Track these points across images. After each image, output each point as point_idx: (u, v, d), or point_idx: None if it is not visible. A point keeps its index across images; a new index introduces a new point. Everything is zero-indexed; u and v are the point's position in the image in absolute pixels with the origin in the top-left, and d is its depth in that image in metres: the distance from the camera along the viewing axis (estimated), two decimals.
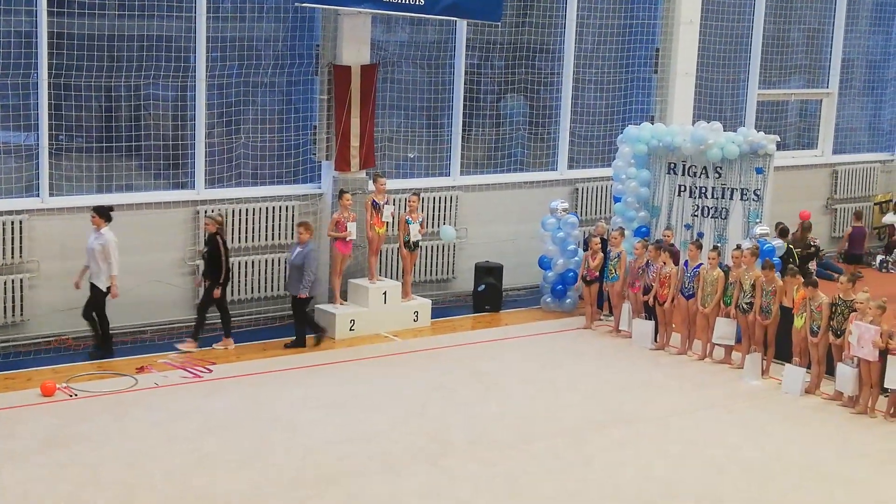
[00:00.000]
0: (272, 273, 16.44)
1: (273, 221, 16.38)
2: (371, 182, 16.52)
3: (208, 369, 14.27)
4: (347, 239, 15.90)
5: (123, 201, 15.33)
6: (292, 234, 16.43)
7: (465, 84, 18.07)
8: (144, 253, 15.34)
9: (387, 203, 16.37)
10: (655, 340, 16.01)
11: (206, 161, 15.95)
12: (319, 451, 11.78)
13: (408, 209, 16.60)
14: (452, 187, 18.07)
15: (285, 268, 15.93)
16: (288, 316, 16.30)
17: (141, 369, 14.13)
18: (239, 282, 16.17)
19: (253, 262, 16.27)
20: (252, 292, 16.33)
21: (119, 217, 15.12)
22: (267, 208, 16.33)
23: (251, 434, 12.22)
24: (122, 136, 15.41)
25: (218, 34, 15.81)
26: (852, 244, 20.96)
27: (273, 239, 16.41)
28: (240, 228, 16.12)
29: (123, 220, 15.20)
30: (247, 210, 16.16)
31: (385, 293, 16.31)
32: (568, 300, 17.63)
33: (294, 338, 15.39)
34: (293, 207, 16.53)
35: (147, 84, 15.46)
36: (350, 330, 15.91)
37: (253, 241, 16.27)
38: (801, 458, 12.17)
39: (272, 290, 16.48)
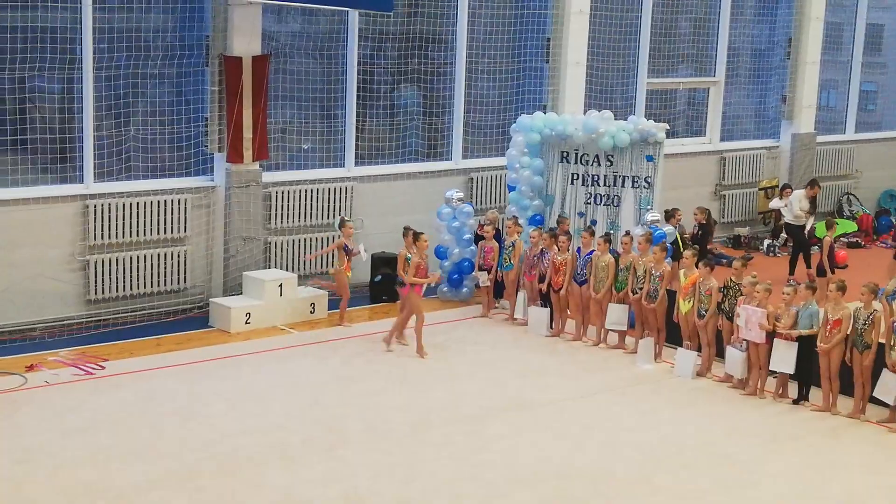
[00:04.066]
0: (164, 268, 16.20)
1: (165, 215, 16.15)
2: (338, 226, 16.56)
3: (101, 366, 14.03)
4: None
5: (9, 196, 14.97)
6: (185, 227, 16.24)
7: (358, 74, 17.99)
8: (32, 248, 15.02)
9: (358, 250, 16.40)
10: (551, 327, 16.19)
11: (94, 154, 15.63)
12: (216, 444, 11.69)
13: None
14: (347, 178, 18.02)
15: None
16: (181, 311, 16.16)
17: (31, 367, 13.83)
18: (131, 277, 15.94)
19: (145, 257, 16.01)
20: (144, 287, 16.07)
21: (5, 213, 14.80)
22: (159, 202, 16.08)
23: (146, 427, 12.09)
24: (6, 129, 15.01)
25: (105, 25, 15.49)
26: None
27: (165, 233, 16.17)
28: (131, 223, 15.86)
29: (10, 216, 14.88)
30: (138, 204, 15.90)
31: (280, 286, 16.20)
32: (465, 289, 17.71)
33: None
34: (186, 200, 16.31)
35: (32, 76, 15.10)
36: (246, 323, 15.78)
37: (145, 235, 16.01)
38: (693, 438, 12.43)
39: (165, 285, 16.25)
